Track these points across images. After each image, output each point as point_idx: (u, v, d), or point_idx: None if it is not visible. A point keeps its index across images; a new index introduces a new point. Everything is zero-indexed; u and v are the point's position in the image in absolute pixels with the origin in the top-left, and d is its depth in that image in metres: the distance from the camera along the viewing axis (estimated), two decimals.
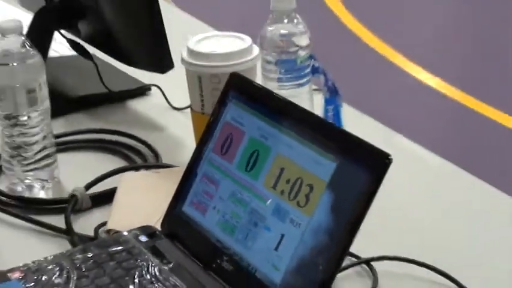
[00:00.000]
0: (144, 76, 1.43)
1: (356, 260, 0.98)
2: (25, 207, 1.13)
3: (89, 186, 1.14)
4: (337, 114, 1.21)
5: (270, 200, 0.88)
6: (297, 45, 1.19)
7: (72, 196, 1.12)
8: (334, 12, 4.14)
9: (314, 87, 1.24)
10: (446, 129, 3.18)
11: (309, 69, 1.20)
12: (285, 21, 1.19)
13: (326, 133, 0.86)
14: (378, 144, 0.80)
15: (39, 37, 1.29)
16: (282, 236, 0.85)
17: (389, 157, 0.78)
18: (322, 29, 3.75)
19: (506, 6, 4.16)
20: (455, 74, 3.56)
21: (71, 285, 0.90)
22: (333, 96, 1.21)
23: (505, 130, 3.15)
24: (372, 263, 0.98)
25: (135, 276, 0.91)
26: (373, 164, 0.79)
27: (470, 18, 4.16)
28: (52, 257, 0.95)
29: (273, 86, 1.18)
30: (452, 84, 3.45)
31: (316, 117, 0.92)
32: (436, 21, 4.13)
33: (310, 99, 1.21)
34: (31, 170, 1.15)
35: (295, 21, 1.19)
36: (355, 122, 1.18)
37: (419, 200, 1.13)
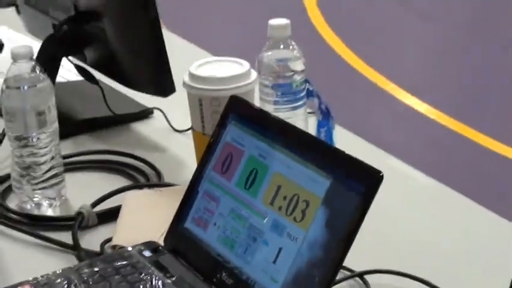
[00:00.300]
0: (147, 99, 1.44)
1: (350, 273, 0.99)
2: (34, 224, 1.14)
3: (95, 204, 1.15)
4: (329, 136, 1.22)
5: (268, 216, 0.89)
6: (293, 70, 1.20)
7: (79, 213, 1.12)
8: (327, 41, 4.16)
9: (308, 110, 1.25)
10: (435, 153, 3.19)
11: (303, 93, 1.22)
12: (281, 47, 1.21)
13: (320, 152, 0.87)
14: (370, 163, 0.81)
15: (47, 63, 1.30)
16: (280, 249, 0.86)
17: (381, 174, 0.79)
18: (315, 57, 3.77)
19: (494, 34, 4.19)
20: (445, 101, 3.57)
21: None
22: (325, 119, 1.22)
23: (492, 154, 3.16)
24: (366, 276, 0.99)
25: None
26: (365, 180, 0.80)
27: (460, 45, 4.18)
28: (60, 271, 0.96)
29: (270, 109, 1.20)
30: (442, 111, 3.46)
31: (311, 136, 0.93)
32: (426, 50, 4.15)
33: (305, 121, 1.22)
34: (40, 189, 1.16)
35: (291, 47, 1.21)
36: (348, 144, 1.19)
37: (412, 216, 1.14)
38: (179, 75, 1.23)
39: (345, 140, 1.26)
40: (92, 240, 1.09)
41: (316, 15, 4.46)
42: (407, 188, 1.21)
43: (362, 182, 0.80)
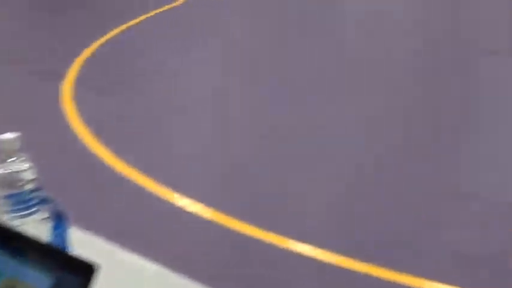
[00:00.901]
0: None
1: None
2: None
3: None
4: (63, 238, 1.30)
5: None
6: (24, 180, 1.27)
7: None
8: (84, 144, 4.20)
9: (43, 215, 1.32)
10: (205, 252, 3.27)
11: (36, 200, 1.29)
12: (11, 159, 1.28)
13: (45, 253, 0.95)
14: (102, 259, 0.90)
15: None
16: None
17: (94, 265, 0.88)
18: (68, 157, 3.79)
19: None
20: (209, 195, 3.65)
21: None
22: (59, 223, 1.30)
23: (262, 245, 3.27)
24: None
25: None
26: (82, 273, 0.89)
27: (211, 134, 4.33)
28: None
29: (4, 218, 1.26)
30: (210, 207, 3.55)
31: (38, 241, 1.00)
32: (190, 145, 4.26)
33: (39, 227, 1.29)
34: None
35: (21, 158, 1.28)
36: (82, 243, 1.28)
37: None
38: None
39: (81, 240, 1.34)
40: None
41: (75, 120, 4.50)
42: (137, 278, 1.31)
43: (79, 275, 0.89)
